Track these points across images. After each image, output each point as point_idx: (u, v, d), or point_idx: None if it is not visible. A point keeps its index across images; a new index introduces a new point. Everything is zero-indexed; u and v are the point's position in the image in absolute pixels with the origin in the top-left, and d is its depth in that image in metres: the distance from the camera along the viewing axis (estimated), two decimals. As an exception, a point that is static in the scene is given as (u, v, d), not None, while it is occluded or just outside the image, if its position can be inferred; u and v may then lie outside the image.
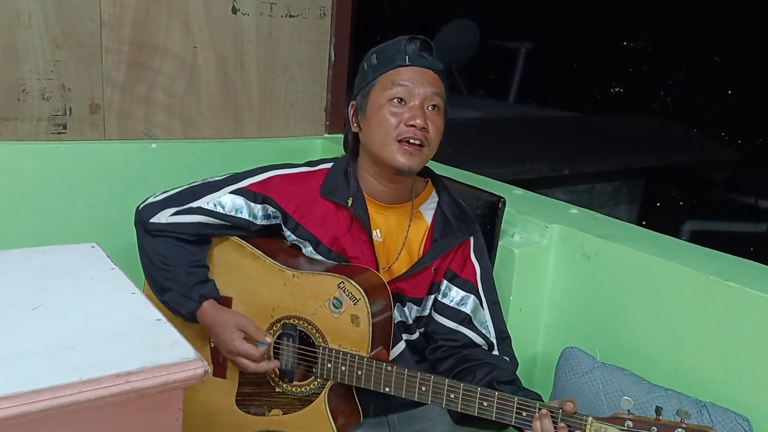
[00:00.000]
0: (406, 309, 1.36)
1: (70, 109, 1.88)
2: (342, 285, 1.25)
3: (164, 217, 1.35)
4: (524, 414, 1.11)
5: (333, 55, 2.35)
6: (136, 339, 0.87)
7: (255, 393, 1.38)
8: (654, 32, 10.47)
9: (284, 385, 1.35)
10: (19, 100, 1.80)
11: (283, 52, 2.22)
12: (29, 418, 0.73)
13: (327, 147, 2.31)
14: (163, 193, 1.39)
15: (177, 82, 2.04)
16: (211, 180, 1.39)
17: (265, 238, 1.40)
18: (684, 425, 1.01)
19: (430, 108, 1.27)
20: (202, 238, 1.38)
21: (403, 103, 1.26)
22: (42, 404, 0.73)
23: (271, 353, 1.36)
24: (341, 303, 1.26)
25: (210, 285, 1.36)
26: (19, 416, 0.72)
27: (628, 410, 1.04)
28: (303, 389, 1.33)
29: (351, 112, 1.35)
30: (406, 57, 1.27)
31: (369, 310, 1.24)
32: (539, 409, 1.10)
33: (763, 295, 1.31)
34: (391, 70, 1.27)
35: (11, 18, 1.74)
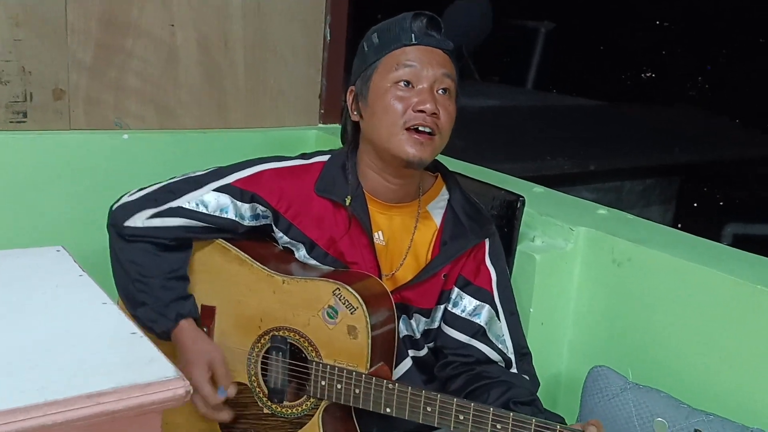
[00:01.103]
0: (413, 321, 1.36)
1: (31, 95, 1.88)
2: (337, 292, 1.26)
3: (140, 220, 1.35)
4: (544, 438, 1.11)
5: (329, 34, 2.35)
6: (108, 355, 0.87)
7: (241, 415, 1.38)
8: (690, 9, 10.46)
9: (273, 406, 1.35)
10: (-27, 84, 1.81)
11: (273, 31, 2.22)
12: (-12, 444, 0.73)
13: (322, 138, 2.31)
14: (139, 190, 1.40)
15: (152, 64, 2.04)
16: (192, 175, 1.39)
17: (252, 240, 1.41)
18: (728, 454, 1.01)
19: (440, 92, 1.27)
20: (182, 242, 1.38)
21: (410, 86, 1.26)
22: (2, 429, 0.73)
23: (259, 370, 1.36)
24: (336, 312, 1.26)
25: (189, 302, 1.37)
26: (-23, 442, 0.72)
27: (665, 436, 1.04)
28: (294, 410, 1.33)
29: (350, 98, 1.35)
30: (412, 35, 1.27)
31: (368, 321, 1.24)
32: (560, 430, 1.10)
33: (818, 307, 1.31)
34: (396, 50, 1.27)
35: (-36, -9, 1.75)
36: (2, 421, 0.73)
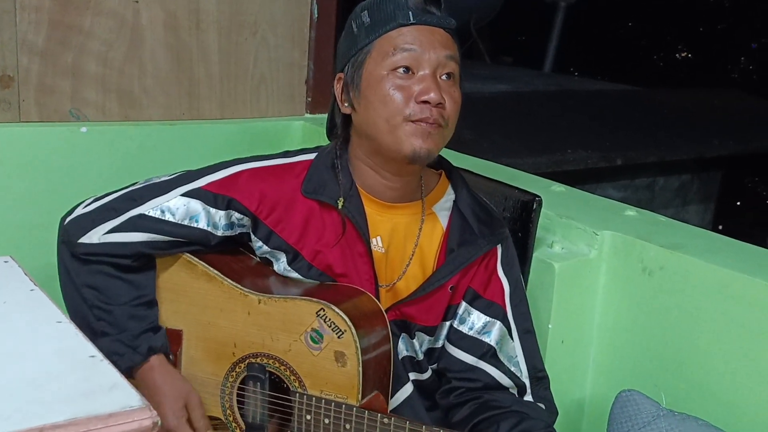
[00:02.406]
0: (415, 341, 1.37)
1: (-25, 83, 1.88)
2: (322, 313, 1.25)
3: (97, 236, 1.34)
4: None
5: (316, 11, 2.36)
6: (64, 382, 0.86)
7: (217, 453, 1.38)
8: (732, -20, 10.50)
9: (253, 444, 1.35)
10: None
11: (252, 8, 2.23)
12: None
13: (309, 131, 2.32)
14: (95, 200, 1.38)
15: (114, 47, 2.05)
16: (157, 180, 1.38)
17: (223, 252, 1.40)
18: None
19: (443, 77, 1.27)
20: (146, 261, 1.38)
21: (409, 72, 1.26)
22: (-58, 467, 0.73)
23: (234, 402, 1.36)
24: (321, 336, 1.26)
25: (161, 335, 1.36)
26: None
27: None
28: (276, 449, 1.33)
29: (338, 87, 1.34)
30: (409, 13, 1.26)
31: (357, 346, 1.23)
32: None
33: None
34: (391, 31, 1.27)
35: None
36: (-58, 458, 0.73)
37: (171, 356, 1.39)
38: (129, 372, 1.34)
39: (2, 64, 1.91)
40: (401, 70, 1.25)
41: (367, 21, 1.29)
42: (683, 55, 11.33)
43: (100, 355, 0.93)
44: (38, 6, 1.92)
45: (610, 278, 1.69)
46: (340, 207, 1.32)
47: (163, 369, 1.35)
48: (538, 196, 1.57)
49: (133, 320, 1.34)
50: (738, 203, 7.84)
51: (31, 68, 1.95)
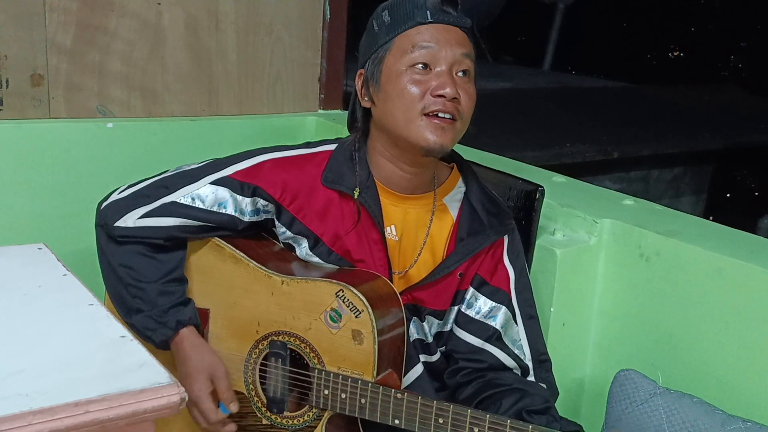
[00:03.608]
0: (425, 324, 1.37)
1: (7, 81, 1.88)
2: (341, 293, 1.26)
3: (132, 219, 1.35)
4: (563, 451, 1.12)
5: (329, 12, 2.35)
6: (96, 361, 0.87)
7: (238, 427, 1.39)
8: (723, -19, 10.43)
9: (273, 417, 1.36)
10: (-56, 70, 1.82)
11: (268, 10, 2.23)
12: (-32, 456, 0.74)
13: (322, 126, 2.32)
14: (129, 187, 1.40)
15: (137, 47, 2.05)
16: (186, 168, 1.40)
17: (249, 238, 1.41)
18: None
19: (459, 74, 1.27)
20: (177, 242, 1.38)
21: (427, 69, 1.26)
22: (-18, 439, 0.74)
23: (257, 378, 1.36)
24: (340, 316, 1.27)
25: (189, 308, 1.37)
26: (-43, 454, 0.72)
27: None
28: (295, 421, 1.34)
29: (359, 82, 1.35)
30: (427, 12, 1.27)
31: (374, 325, 1.24)
32: None
33: None
34: (410, 29, 1.27)
35: (-66, -31, 1.76)
36: (-17, 431, 0.74)
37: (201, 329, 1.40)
38: (165, 346, 1.35)
39: (33, 64, 1.91)
40: (419, 66, 1.26)
41: (388, 20, 1.30)
42: (676, 53, 11.27)
43: (129, 336, 0.94)
44: (66, 8, 1.92)
45: (609, 264, 1.69)
46: (356, 197, 1.32)
47: (192, 341, 1.35)
48: (541, 186, 1.57)
49: (163, 296, 1.34)
50: (728, 195, 7.81)
51: (60, 67, 1.95)
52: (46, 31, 1.91)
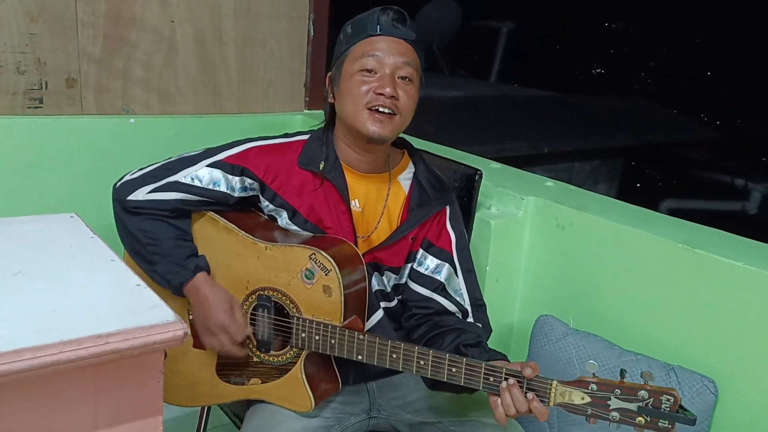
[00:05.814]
0: (384, 278, 1.38)
1: (46, 84, 1.86)
2: (313, 256, 1.26)
3: (142, 194, 1.34)
4: (491, 379, 1.13)
5: (312, 30, 2.34)
6: (116, 303, 0.87)
7: (234, 363, 1.39)
8: (635, 14, 10.50)
9: (262, 355, 1.36)
10: (-7, 73, 1.79)
11: (262, 28, 2.21)
12: (11, 377, 0.74)
13: (306, 123, 2.31)
14: (139, 170, 1.38)
15: (154, 56, 2.03)
16: (187, 155, 1.39)
17: (239, 212, 1.41)
18: (648, 387, 1.04)
19: (399, 78, 1.27)
20: (181, 213, 1.38)
21: (373, 73, 1.26)
22: (22, 364, 0.74)
23: (248, 323, 1.37)
24: (313, 274, 1.27)
25: (203, 258, 1.36)
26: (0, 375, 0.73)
27: (593, 373, 1.07)
28: (280, 358, 1.34)
29: (327, 83, 1.36)
30: (378, 27, 1.27)
31: (340, 281, 1.24)
32: (506, 374, 1.12)
33: (729, 261, 1.35)
34: (363, 40, 1.27)
35: (-16, -10, 1.72)
36: (22, 357, 0.74)
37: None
38: (180, 288, 1.33)
39: (68, 69, 1.89)
40: (367, 69, 1.26)
41: (349, 31, 1.31)
42: (597, 70, 11.34)
43: (144, 284, 0.94)
44: (95, 23, 1.90)
45: (533, 232, 1.71)
46: (321, 168, 1.33)
47: (209, 283, 1.34)
48: (480, 171, 1.58)
49: (178, 249, 1.33)
50: (636, 183, 7.91)
51: (90, 72, 1.93)
52: (79, 43, 1.89)
